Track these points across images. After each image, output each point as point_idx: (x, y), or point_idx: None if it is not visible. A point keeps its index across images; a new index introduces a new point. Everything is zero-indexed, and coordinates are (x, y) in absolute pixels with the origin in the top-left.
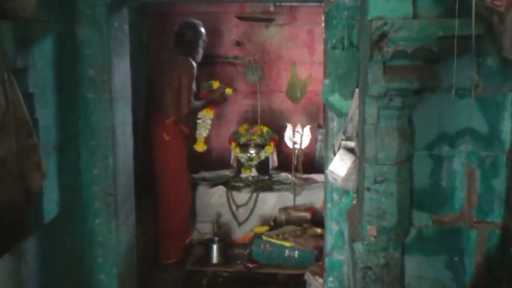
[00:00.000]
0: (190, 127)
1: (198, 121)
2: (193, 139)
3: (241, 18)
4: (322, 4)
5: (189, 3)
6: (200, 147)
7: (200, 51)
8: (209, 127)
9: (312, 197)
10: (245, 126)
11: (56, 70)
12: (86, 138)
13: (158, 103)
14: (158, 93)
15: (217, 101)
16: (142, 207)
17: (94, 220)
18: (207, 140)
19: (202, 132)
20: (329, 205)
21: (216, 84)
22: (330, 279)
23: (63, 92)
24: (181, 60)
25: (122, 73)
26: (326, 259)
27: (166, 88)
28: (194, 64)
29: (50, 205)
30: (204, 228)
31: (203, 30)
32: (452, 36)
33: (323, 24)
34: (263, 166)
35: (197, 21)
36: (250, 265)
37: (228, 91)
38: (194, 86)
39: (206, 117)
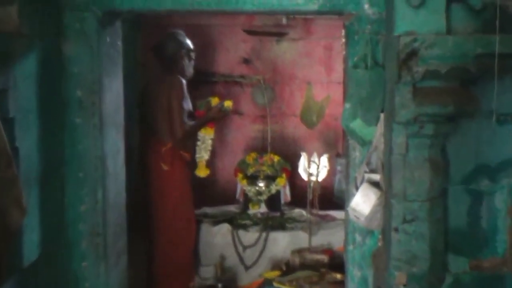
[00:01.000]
0: (192, 152)
1: (198, 142)
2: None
3: (249, 32)
4: (342, 16)
5: (189, 15)
6: (202, 172)
7: (187, 63)
8: (210, 148)
9: (331, 237)
10: (253, 155)
11: (39, 92)
12: (72, 169)
13: (151, 128)
14: (150, 118)
15: (216, 118)
16: (136, 247)
17: (80, 263)
18: (208, 164)
19: (203, 154)
20: (350, 247)
21: (215, 101)
22: None
23: (47, 116)
24: (167, 78)
25: (114, 95)
26: None
27: (157, 112)
28: (183, 80)
29: (31, 246)
30: (205, 272)
31: (185, 39)
32: (492, 54)
33: (343, 40)
34: (273, 201)
35: (177, 31)
36: None
37: (227, 104)
38: (189, 105)
39: (205, 137)
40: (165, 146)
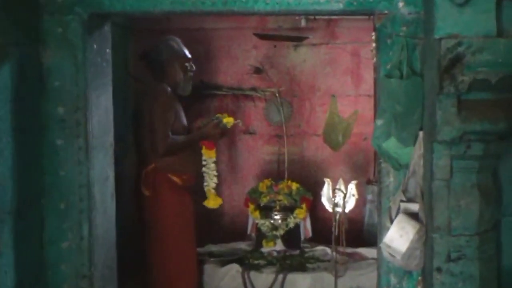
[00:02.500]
0: (185, 177)
1: (204, 169)
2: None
3: (261, 36)
4: (372, 17)
5: (191, 17)
6: (211, 202)
7: (180, 75)
8: (215, 173)
9: (361, 280)
10: (267, 182)
11: (15, 109)
12: (53, 199)
13: (140, 148)
14: (137, 136)
15: (211, 135)
16: None
17: None
18: (218, 192)
19: (209, 182)
20: None
21: (227, 119)
22: None
23: (23, 138)
24: (152, 87)
25: (102, 112)
26: None
27: (141, 128)
28: (168, 88)
29: None
30: None
31: (180, 46)
32: None
33: (373, 44)
34: (292, 237)
35: (172, 37)
36: None
37: (228, 121)
38: (181, 119)
39: (208, 161)
40: (146, 167)
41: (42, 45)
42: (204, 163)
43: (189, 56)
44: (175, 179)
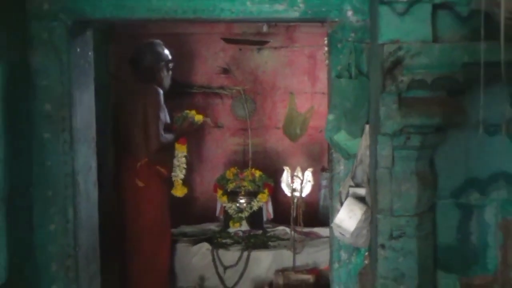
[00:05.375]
0: (169, 168)
1: (174, 161)
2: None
3: (228, 40)
4: (325, 24)
5: (165, 23)
6: (179, 191)
7: (165, 74)
8: (184, 166)
9: (316, 256)
10: (233, 170)
11: (5, 106)
12: (41, 187)
13: (126, 143)
14: (124, 131)
15: (186, 132)
16: (109, 271)
17: (50, 287)
18: (185, 182)
19: (178, 173)
20: (335, 265)
21: (198, 117)
22: None
23: (13, 132)
24: (143, 88)
25: (85, 109)
26: None
27: (131, 125)
28: (160, 90)
29: None
30: None
31: (163, 50)
32: (479, 63)
33: (326, 48)
34: (255, 219)
35: (155, 41)
36: None
37: (198, 118)
38: (166, 117)
39: (179, 154)
40: (140, 161)
41: (30, 48)
42: (174, 155)
43: (171, 57)
44: (163, 170)
